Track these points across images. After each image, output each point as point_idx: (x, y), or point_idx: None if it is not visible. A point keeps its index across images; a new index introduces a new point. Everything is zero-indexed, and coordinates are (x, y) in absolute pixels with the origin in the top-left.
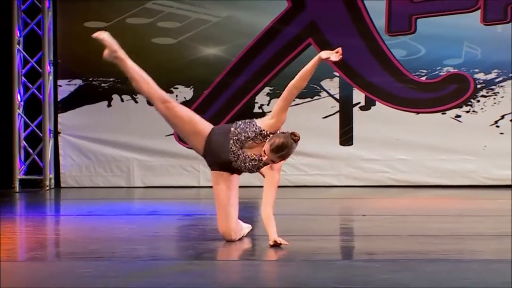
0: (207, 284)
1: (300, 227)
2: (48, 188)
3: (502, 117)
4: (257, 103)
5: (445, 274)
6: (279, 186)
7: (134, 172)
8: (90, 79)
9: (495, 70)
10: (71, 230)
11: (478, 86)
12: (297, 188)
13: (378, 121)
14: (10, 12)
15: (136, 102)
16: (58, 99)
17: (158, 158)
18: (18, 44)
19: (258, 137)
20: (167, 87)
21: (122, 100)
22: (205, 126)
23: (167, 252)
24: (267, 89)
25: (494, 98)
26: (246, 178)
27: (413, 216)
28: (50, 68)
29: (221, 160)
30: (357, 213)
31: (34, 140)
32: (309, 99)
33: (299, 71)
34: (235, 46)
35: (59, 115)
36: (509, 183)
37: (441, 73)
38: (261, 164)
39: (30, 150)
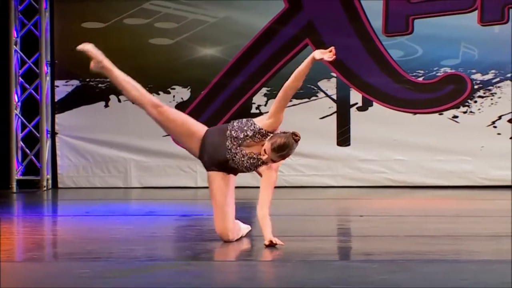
0: (204, 285)
1: (297, 228)
2: (45, 188)
3: (500, 117)
4: (254, 103)
5: (442, 274)
6: (276, 187)
7: (131, 172)
8: (87, 79)
9: (492, 71)
10: (68, 230)
11: (475, 86)
12: (294, 189)
13: (375, 122)
14: (7, 13)
15: (133, 102)
16: (55, 100)
17: (155, 158)
18: (15, 45)
19: (256, 135)
20: (164, 88)
21: (119, 100)
22: (200, 128)
23: (165, 253)
24: (264, 90)
25: (491, 99)
26: (244, 178)
27: (410, 217)
28: (47, 69)
29: (217, 159)
30: (354, 213)
31: (31, 140)
32: (306, 99)
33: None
34: (232, 46)
35: (56, 115)
36: (506, 183)
37: (438, 74)
38: (259, 163)
39: (27, 151)
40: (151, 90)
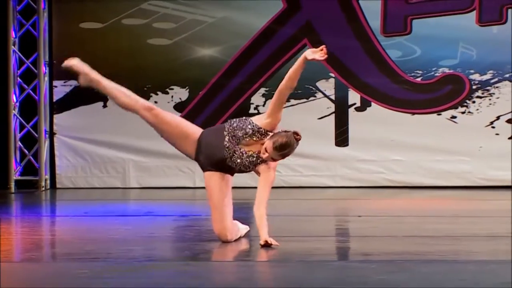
0: (203, 285)
1: (296, 228)
2: (43, 189)
3: (498, 118)
4: (252, 104)
5: (441, 275)
6: (274, 187)
7: (130, 173)
8: None
9: (491, 71)
10: (66, 231)
11: (474, 87)
12: (292, 189)
13: (373, 122)
14: (5, 13)
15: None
16: (54, 100)
17: (154, 159)
18: (14, 45)
19: (256, 134)
20: (163, 88)
21: None
22: (194, 130)
23: (163, 253)
24: (262, 90)
25: (490, 99)
26: (242, 179)
27: (408, 217)
28: (45, 69)
29: (214, 158)
30: (353, 214)
31: (30, 141)
32: (305, 100)
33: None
34: (230, 47)
35: (55, 116)
36: (504, 184)
37: (437, 74)
38: (258, 161)
39: (26, 151)
40: (149, 91)
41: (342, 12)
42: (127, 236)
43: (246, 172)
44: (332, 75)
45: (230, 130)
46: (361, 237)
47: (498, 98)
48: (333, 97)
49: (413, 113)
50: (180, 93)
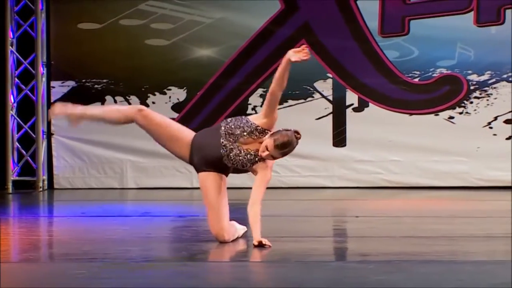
0: (200, 285)
1: (293, 228)
2: (41, 189)
3: (495, 118)
4: (250, 104)
5: (438, 275)
6: (272, 187)
7: (127, 173)
8: (83, 80)
9: (488, 72)
10: (64, 231)
11: (471, 87)
12: (290, 190)
13: (371, 123)
14: (3, 14)
15: (129, 103)
16: (51, 101)
17: (151, 159)
18: (11, 46)
19: (254, 132)
20: (161, 89)
21: (115, 101)
22: (187, 133)
23: (160, 254)
24: (260, 91)
25: (487, 100)
26: (240, 179)
27: (406, 218)
28: (43, 70)
29: (210, 157)
30: (350, 214)
31: (27, 141)
32: (302, 100)
33: (292, 72)
34: (228, 47)
35: None
36: (502, 184)
37: (434, 75)
38: (256, 160)
39: (23, 152)
40: (147, 91)
41: (340, 13)
42: (124, 236)
43: (242, 171)
44: (330, 75)
45: (226, 129)
46: (358, 237)
47: (495, 98)
48: (330, 98)
49: (411, 114)
50: (178, 94)
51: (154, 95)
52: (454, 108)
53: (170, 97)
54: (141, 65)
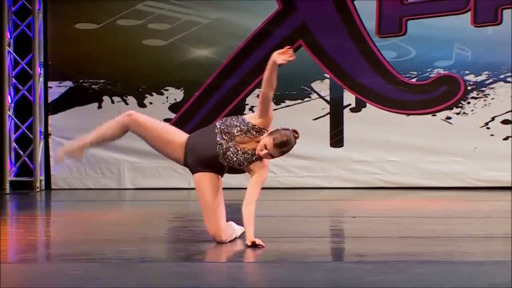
0: (197, 286)
1: (291, 229)
2: (38, 189)
3: (493, 118)
4: (247, 104)
5: (436, 275)
6: (269, 188)
7: (125, 174)
8: (81, 80)
9: (486, 72)
10: (61, 231)
11: (469, 87)
12: (287, 190)
13: (368, 123)
14: (0, 14)
15: (127, 103)
16: (49, 101)
17: (149, 160)
18: (9, 46)
19: (251, 131)
20: (158, 89)
21: (112, 101)
22: (179, 135)
23: (157, 254)
24: (257, 91)
25: (485, 100)
26: (237, 179)
27: (403, 218)
28: (40, 70)
29: (205, 157)
30: (348, 214)
31: (25, 141)
32: (300, 100)
33: (290, 73)
34: (225, 47)
35: (50, 116)
36: (499, 184)
37: (432, 75)
38: (253, 159)
39: (21, 152)
40: (144, 91)
41: (337, 13)
42: (121, 237)
43: (238, 170)
44: (327, 76)
45: (222, 128)
46: (356, 238)
47: (493, 99)
48: (328, 98)
49: (408, 114)
50: (175, 94)
51: (152, 95)
52: (452, 109)
53: (167, 97)
54: (138, 66)
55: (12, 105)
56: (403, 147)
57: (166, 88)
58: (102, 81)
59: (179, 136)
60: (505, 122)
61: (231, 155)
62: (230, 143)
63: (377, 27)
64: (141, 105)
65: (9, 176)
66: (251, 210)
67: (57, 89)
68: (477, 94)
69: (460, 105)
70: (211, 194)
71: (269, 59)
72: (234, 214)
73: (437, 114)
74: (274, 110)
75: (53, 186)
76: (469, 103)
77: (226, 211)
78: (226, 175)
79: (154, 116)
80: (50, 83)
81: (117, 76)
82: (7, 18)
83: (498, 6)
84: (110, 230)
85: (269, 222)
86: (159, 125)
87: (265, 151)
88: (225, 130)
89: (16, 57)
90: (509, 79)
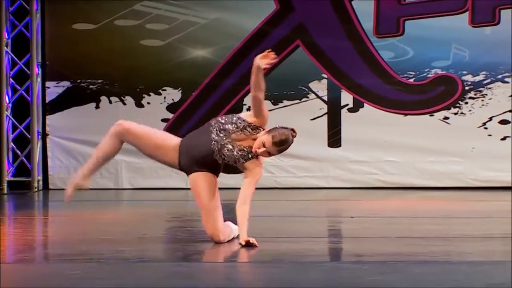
0: (195, 286)
1: (288, 229)
2: (36, 190)
3: (490, 119)
4: (245, 105)
5: (433, 275)
6: (267, 188)
7: (123, 174)
8: (78, 80)
9: (483, 72)
10: (59, 232)
11: (466, 88)
12: (285, 190)
13: (366, 123)
14: None
15: (124, 104)
16: (46, 101)
17: (146, 160)
18: (6, 46)
19: (247, 128)
20: (155, 89)
21: (110, 101)
22: (173, 139)
23: (155, 254)
24: None
25: (482, 100)
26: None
27: (401, 218)
28: (38, 70)
29: (200, 155)
30: (345, 215)
31: (22, 142)
32: (297, 101)
33: (287, 73)
34: (223, 48)
35: (47, 117)
36: (496, 184)
37: (429, 75)
38: (249, 156)
39: (18, 152)
40: (142, 91)
41: (334, 13)
42: (119, 237)
43: (233, 170)
44: (325, 76)
45: (218, 125)
46: (353, 238)
47: (490, 99)
48: (325, 98)
49: (406, 114)
50: (173, 94)
51: (149, 95)
52: (449, 109)
53: (165, 97)
54: (136, 66)
55: (10, 105)
56: (401, 147)
57: (164, 88)
58: (99, 81)
59: (172, 140)
60: (502, 122)
61: (227, 152)
62: (226, 140)
63: (375, 27)
64: (139, 105)
65: (7, 176)
66: (245, 209)
67: (54, 89)
68: (475, 94)
69: (457, 105)
70: (208, 194)
71: (253, 63)
72: (231, 214)
73: (434, 114)
74: (272, 110)
75: (50, 186)
76: (466, 103)
77: (223, 211)
78: (223, 175)
79: (152, 116)
80: (47, 83)
81: (115, 76)
82: (5, 18)
83: (496, 6)
84: (108, 230)
85: (267, 222)
86: (150, 130)
87: (263, 149)
88: (220, 127)
89: (14, 57)
90: (506, 79)
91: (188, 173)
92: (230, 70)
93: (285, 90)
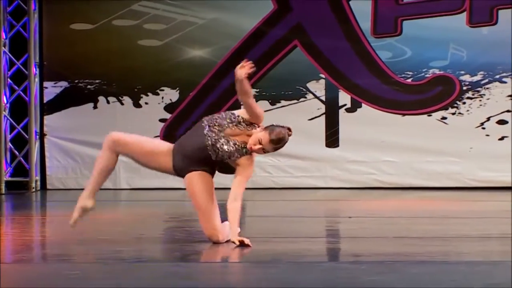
0: (193, 286)
1: (286, 229)
2: (34, 190)
3: (488, 119)
4: (243, 105)
5: (431, 276)
6: (264, 188)
7: (120, 174)
8: (76, 81)
9: (481, 72)
10: (57, 232)
11: (464, 88)
12: (283, 190)
13: (364, 123)
14: None
15: (122, 104)
16: (44, 101)
17: None
18: (4, 46)
19: (242, 123)
20: (153, 89)
21: (108, 102)
22: (165, 145)
23: (153, 254)
24: (253, 91)
25: (480, 100)
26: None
27: (399, 218)
28: (36, 70)
29: (193, 150)
30: (343, 215)
31: (20, 142)
32: (295, 101)
33: (285, 73)
34: (221, 48)
35: (45, 117)
36: (494, 185)
37: (427, 75)
38: (244, 152)
39: (16, 152)
40: (140, 92)
41: (332, 13)
42: (117, 237)
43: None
44: (323, 76)
45: (211, 121)
46: (351, 238)
47: (488, 99)
48: (323, 98)
49: (404, 114)
50: (171, 94)
51: (147, 95)
52: (447, 109)
53: (162, 97)
54: (134, 66)
55: (8, 105)
56: (399, 147)
57: (162, 88)
58: (97, 81)
59: (164, 146)
60: (500, 122)
61: (221, 146)
62: (219, 135)
63: (373, 27)
64: (137, 105)
65: (5, 177)
66: (237, 206)
67: (52, 89)
68: (473, 94)
69: (455, 105)
70: (204, 195)
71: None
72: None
73: (432, 114)
74: (270, 110)
75: (48, 186)
76: (464, 103)
77: (219, 211)
78: (220, 175)
79: (150, 116)
80: (45, 83)
81: (113, 76)
82: (3, 18)
83: (494, 6)
84: (106, 230)
85: (264, 222)
86: (140, 138)
87: (259, 146)
88: (214, 123)
89: (12, 57)
90: (504, 79)
91: (183, 174)
92: (228, 70)
93: (283, 90)
